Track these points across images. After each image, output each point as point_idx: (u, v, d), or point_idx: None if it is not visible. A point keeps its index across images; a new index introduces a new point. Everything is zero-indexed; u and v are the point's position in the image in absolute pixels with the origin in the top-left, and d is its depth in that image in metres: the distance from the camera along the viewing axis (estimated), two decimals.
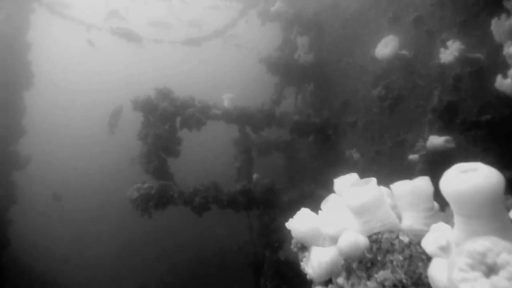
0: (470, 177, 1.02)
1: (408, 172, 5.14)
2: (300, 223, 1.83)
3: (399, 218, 1.50)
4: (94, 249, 14.56)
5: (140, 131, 5.22)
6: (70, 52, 21.07)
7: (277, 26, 7.47)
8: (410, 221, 1.42)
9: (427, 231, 1.34)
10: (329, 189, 6.62)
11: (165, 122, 5.40)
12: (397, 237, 1.34)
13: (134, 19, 11.16)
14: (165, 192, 5.06)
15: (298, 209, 6.11)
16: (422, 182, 1.45)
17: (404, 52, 5.16)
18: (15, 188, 6.14)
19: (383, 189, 1.72)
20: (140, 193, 4.84)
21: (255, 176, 7.01)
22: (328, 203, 1.82)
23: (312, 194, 6.07)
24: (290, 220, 1.90)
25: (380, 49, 5.03)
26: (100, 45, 8.28)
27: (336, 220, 1.63)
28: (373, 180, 1.51)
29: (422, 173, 4.66)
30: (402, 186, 1.48)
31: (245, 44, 10.92)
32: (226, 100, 6.44)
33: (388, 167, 5.67)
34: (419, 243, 1.32)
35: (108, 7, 10.00)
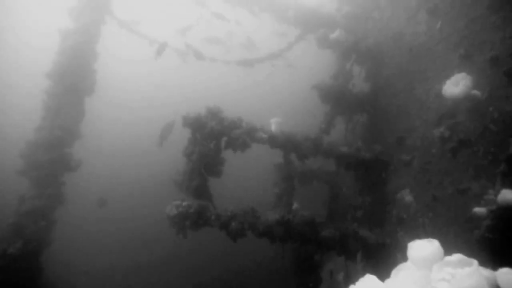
0: None
1: (470, 226, 4.56)
2: None
3: None
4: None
5: (186, 148, 5.19)
6: (129, 63, 22.41)
7: (333, 52, 7.25)
8: None
9: None
10: (374, 232, 5.99)
11: (211, 141, 5.34)
12: None
13: (191, 34, 11.56)
14: (203, 213, 4.92)
15: (339, 248, 5.52)
16: None
17: (475, 92, 4.69)
18: (64, 189, 6.38)
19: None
20: (178, 211, 4.74)
21: (295, 205, 6.68)
22: (402, 274, 1.51)
23: (355, 234, 5.61)
24: (352, 286, 1.63)
25: (449, 86, 4.62)
26: (160, 60, 8.60)
27: None
28: (474, 263, 1.20)
29: (490, 230, 4.09)
30: None
31: (297, 66, 10.81)
32: (274, 124, 6.27)
33: (445, 216, 5.10)
34: None
35: (177, 26, 10.41)
